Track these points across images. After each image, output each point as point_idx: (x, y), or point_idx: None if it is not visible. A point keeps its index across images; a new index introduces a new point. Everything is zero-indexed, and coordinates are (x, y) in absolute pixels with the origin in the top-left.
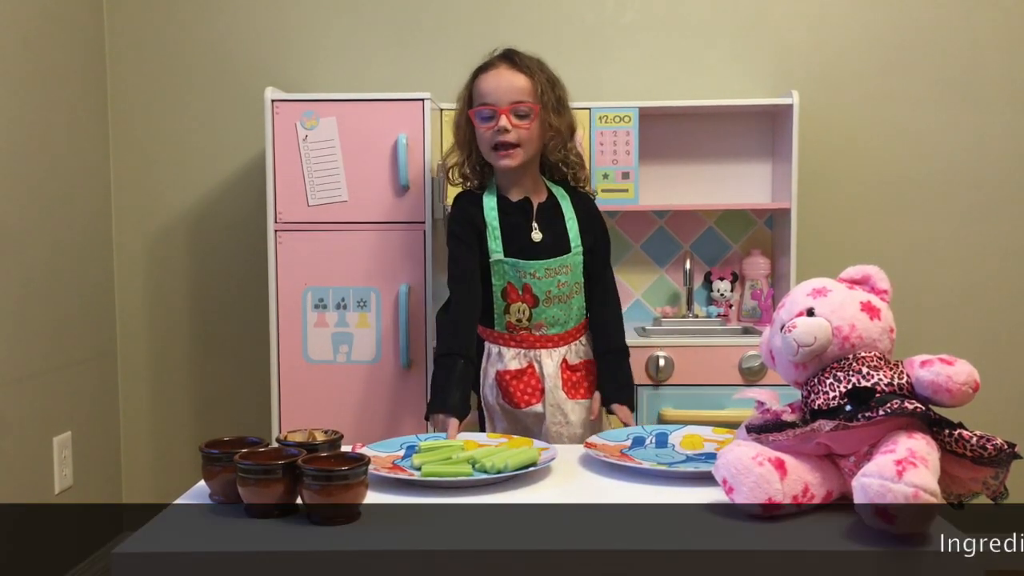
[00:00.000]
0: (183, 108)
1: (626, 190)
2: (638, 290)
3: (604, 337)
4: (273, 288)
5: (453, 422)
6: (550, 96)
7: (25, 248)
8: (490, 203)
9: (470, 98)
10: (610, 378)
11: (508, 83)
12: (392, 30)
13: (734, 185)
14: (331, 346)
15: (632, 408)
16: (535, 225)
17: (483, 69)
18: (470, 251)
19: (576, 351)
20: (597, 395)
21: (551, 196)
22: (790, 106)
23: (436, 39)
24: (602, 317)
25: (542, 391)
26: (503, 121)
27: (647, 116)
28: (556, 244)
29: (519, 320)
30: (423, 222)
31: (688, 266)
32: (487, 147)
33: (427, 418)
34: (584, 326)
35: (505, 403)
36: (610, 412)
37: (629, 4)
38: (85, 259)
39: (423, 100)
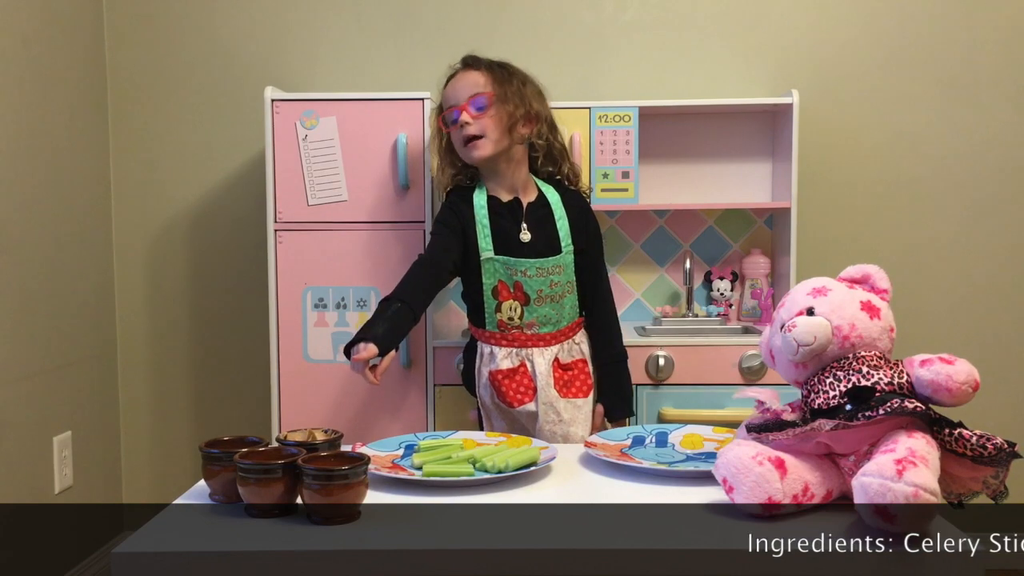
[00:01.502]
0: (183, 108)
1: (626, 189)
2: (638, 290)
3: (604, 344)
4: (273, 288)
5: (370, 347)
6: (506, 85)
7: (25, 248)
8: (480, 200)
9: (441, 108)
10: (615, 391)
11: (464, 81)
12: (392, 30)
13: (734, 184)
14: (331, 346)
15: (633, 414)
16: (524, 226)
17: (448, 79)
18: (452, 237)
19: (569, 350)
20: (600, 408)
21: (541, 196)
22: (790, 105)
23: (436, 39)
24: (599, 321)
25: (534, 390)
26: (463, 116)
27: (647, 115)
28: (546, 245)
29: (511, 318)
30: (423, 222)
31: (688, 265)
32: (459, 146)
33: (347, 354)
34: (578, 325)
35: (500, 402)
36: (612, 423)
37: (629, 3)
38: (85, 259)
39: (423, 100)
